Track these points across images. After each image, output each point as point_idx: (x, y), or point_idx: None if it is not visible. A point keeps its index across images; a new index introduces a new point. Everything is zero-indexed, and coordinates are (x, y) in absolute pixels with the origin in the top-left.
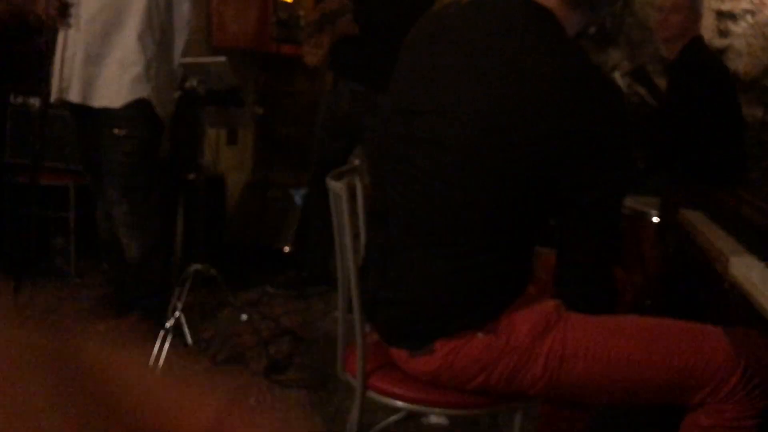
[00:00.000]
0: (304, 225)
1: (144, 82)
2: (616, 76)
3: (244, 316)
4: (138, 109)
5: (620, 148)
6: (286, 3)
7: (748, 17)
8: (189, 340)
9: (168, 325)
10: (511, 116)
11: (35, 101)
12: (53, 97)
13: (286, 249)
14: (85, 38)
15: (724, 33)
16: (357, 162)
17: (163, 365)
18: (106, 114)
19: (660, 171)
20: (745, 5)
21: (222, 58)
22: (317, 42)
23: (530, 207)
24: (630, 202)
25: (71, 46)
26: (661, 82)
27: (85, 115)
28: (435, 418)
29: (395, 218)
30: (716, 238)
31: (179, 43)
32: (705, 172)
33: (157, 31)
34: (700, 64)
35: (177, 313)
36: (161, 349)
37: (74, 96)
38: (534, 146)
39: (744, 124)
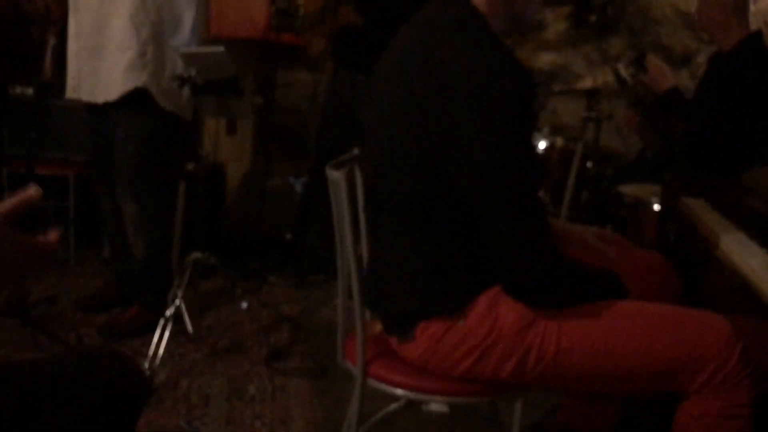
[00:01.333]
0: (304, 214)
1: (138, 68)
2: (620, 67)
3: (244, 305)
4: (136, 103)
5: (510, 122)
6: None
7: (750, 5)
8: (189, 328)
9: (168, 313)
10: (417, 100)
11: (31, 91)
12: (67, 95)
13: (287, 237)
14: (84, 30)
15: None
16: (356, 151)
17: (163, 353)
18: (111, 111)
19: (672, 161)
20: None
21: (220, 48)
22: (319, 31)
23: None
24: (632, 190)
25: (76, 40)
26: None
27: (97, 112)
28: (435, 406)
29: (378, 206)
30: (717, 226)
31: (187, 21)
32: (721, 166)
33: (153, 11)
34: (757, 61)
35: (177, 302)
36: (161, 337)
37: (85, 94)
38: (438, 126)
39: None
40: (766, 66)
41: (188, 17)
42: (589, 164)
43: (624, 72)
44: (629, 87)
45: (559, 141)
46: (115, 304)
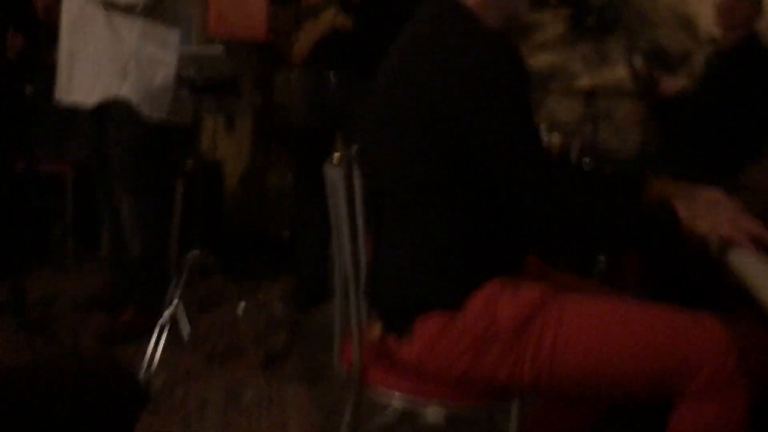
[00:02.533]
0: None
1: (118, 79)
2: (636, 59)
3: (241, 307)
4: (121, 108)
5: (510, 89)
6: None
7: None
8: (186, 332)
9: (165, 316)
10: (419, 92)
11: (29, 89)
12: (56, 96)
13: (285, 235)
14: (65, 30)
15: None
16: (354, 148)
17: (159, 359)
18: (102, 112)
19: (673, 157)
20: None
21: (219, 48)
22: (299, 37)
23: (471, 183)
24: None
25: (62, 38)
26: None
27: (93, 111)
28: (432, 416)
29: (379, 201)
30: None
31: (176, 34)
32: (719, 163)
33: (138, 24)
34: (759, 58)
35: (174, 303)
36: (157, 343)
37: (62, 93)
38: (443, 112)
39: None
40: (766, 65)
41: (175, 32)
42: (586, 161)
43: (637, 64)
44: (640, 78)
45: (556, 138)
46: (114, 305)
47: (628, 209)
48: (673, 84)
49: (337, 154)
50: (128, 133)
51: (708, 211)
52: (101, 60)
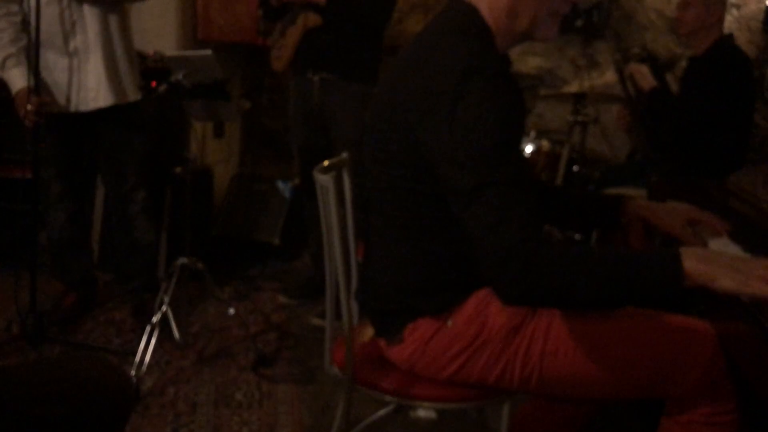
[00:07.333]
0: (293, 218)
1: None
2: (625, 67)
3: (231, 311)
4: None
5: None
6: None
7: (734, 11)
8: (176, 334)
9: (155, 319)
10: (400, 99)
11: None
12: (72, 109)
13: (275, 242)
14: (93, 46)
15: None
16: (345, 154)
17: (150, 360)
18: (123, 107)
19: (656, 163)
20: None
21: (208, 52)
22: (282, 44)
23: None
24: (617, 193)
25: (79, 55)
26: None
27: (82, 119)
28: (423, 412)
29: (371, 205)
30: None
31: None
32: (704, 168)
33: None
34: (729, 62)
35: (164, 308)
36: (148, 344)
37: (104, 101)
38: (416, 123)
39: (752, 125)
40: (740, 67)
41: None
42: (575, 167)
43: (624, 67)
44: (626, 86)
45: (546, 144)
46: (84, 309)
47: (617, 275)
48: (644, 73)
49: (326, 161)
50: (140, 126)
51: (732, 268)
52: (131, 55)
